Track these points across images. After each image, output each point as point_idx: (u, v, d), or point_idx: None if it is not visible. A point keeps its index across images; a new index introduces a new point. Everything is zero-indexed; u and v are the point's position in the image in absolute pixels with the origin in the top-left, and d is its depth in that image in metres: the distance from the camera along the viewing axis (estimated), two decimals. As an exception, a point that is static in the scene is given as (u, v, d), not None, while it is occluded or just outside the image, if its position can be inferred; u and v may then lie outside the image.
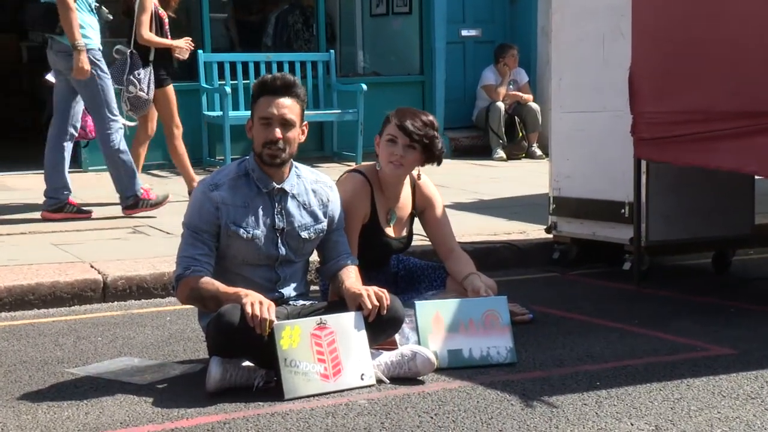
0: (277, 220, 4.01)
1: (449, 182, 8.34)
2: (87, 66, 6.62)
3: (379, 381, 3.83)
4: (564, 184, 6.07)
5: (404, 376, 3.87)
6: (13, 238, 6.37)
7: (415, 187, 4.63)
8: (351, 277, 4.06)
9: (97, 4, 7.03)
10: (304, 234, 4.07)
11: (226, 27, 11.30)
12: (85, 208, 7.15)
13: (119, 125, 7.00)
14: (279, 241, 4.02)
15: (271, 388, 3.73)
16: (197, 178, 7.22)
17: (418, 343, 4.04)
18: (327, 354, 3.75)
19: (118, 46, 7.49)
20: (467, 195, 8.19)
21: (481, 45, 11.77)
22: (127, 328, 4.78)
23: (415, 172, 4.59)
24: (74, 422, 3.45)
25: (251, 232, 3.96)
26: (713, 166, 5.22)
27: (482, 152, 10.91)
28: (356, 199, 4.42)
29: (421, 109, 4.62)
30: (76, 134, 7.13)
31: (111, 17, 7.40)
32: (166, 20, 7.62)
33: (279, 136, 3.92)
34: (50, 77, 7.07)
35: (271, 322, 3.67)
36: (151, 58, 7.43)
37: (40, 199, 7.92)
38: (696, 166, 5.34)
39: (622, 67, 5.44)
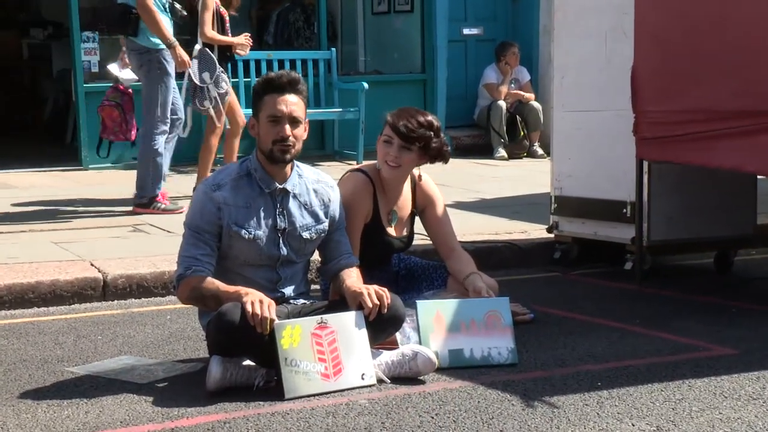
0: (278, 220, 4.00)
1: (450, 181, 8.33)
2: (186, 57, 6.92)
3: (380, 380, 3.82)
4: (565, 184, 6.06)
5: (405, 376, 3.86)
6: (14, 236, 6.36)
7: (415, 187, 4.62)
8: (352, 276, 4.05)
9: (171, 2, 7.19)
10: (306, 234, 4.06)
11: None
12: (171, 206, 7.20)
13: (165, 127, 7.09)
14: (280, 241, 4.01)
15: (272, 388, 3.72)
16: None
17: (419, 342, 4.03)
18: (328, 353, 3.74)
19: (196, 46, 7.62)
20: (468, 194, 8.17)
21: (483, 43, 11.75)
22: (127, 326, 4.77)
23: (416, 172, 4.58)
24: (74, 421, 3.44)
25: (253, 233, 3.95)
26: (715, 165, 5.21)
27: (484, 151, 10.90)
28: (358, 198, 4.41)
29: (422, 109, 4.59)
30: (168, 128, 7.23)
31: (186, 13, 7.51)
32: (227, 18, 7.76)
33: (290, 134, 3.92)
34: (113, 68, 7.54)
35: (272, 320, 3.66)
36: (215, 55, 7.55)
37: (41, 197, 7.93)
38: (698, 166, 5.33)
39: (624, 67, 5.43)
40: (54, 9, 11.96)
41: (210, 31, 7.44)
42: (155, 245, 6.03)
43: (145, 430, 3.38)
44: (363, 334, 3.82)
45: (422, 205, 4.65)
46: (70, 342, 4.50)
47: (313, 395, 3.67)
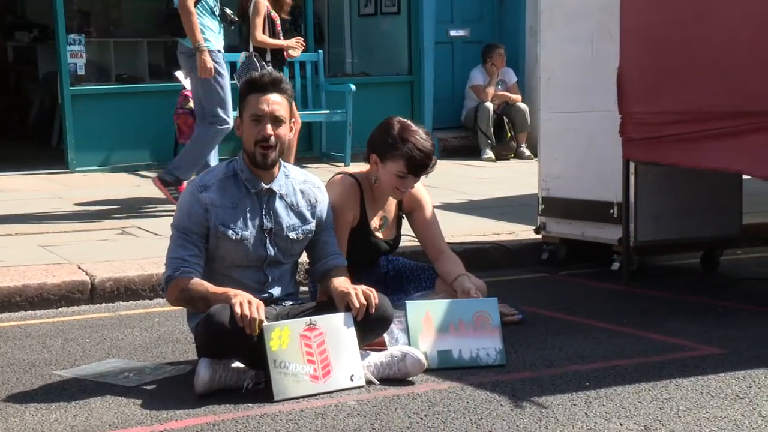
0: (265, 220, 4.00)
1: (438, 183, 8.33)
2: (210, 64, 6.94)
3: (369, 382, 3.82)
4: (553, 185, 6.07)
5: (394, 377, 3.87)
6: (0, 240, 6.34)
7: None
8: (339, 276, 4.05)
9: (222, 7, 7.26)
10: (292, 235, 4.06)
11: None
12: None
13: (227, 126, 7.14)
14: (267, 241, 4.01)
15: (261, 390, 3.72)
16: None
17: (408, 343, 4.03)
18: (317, 355, 3.75)
19: (244, 51, 7.78)
20: (456, 195, 8.19)
21: (470, 45, 11.77)
22: (115, 329, 4.76)
23: None
24: (62, 424, 3.43)
25: (240, 233, 3.95)
26: (701, 166, 5.23)
27: (471, 153, 10.92)
28: (346, 202, 4.41)
29: (409, 112, 4.57)
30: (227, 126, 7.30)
31: (236, 18, 7.60)
32: (278, 22, 7.88)
33: (270, 133, 3.92)
34: (179, 75, 7.75)
35: (261, 321, 3.66)
36: (268, 58, 7.67)
37: (27, 200, 7.91)
38: (684, 167, 5.35)
39: (610, 67, 5.45)
40: (39, 11, 11.93)
41: (261, 35, 7.62)
42: (143, 248, 6.02)
43: (133, 433, 3.38)
44: (352, 335, 3.82)
45: (410, 208, 4.66)
46: (58, 345, 4.49)
47: (302, 397, 3.67)
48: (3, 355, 4.34)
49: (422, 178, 4.50)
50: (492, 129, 10.87)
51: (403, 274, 4.75)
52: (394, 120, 4.44)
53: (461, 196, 8.19)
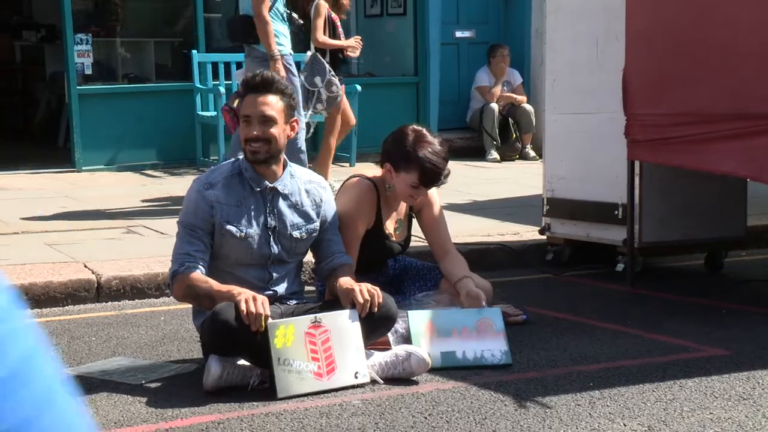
0: (269, 219, 4.03)
1: (443, 183, 8.34)
2: (283, 72, 7.03)
3: (373, 381, 3.84)
4: (558, 186, 6.08)
5: (398, 377, 3.88)
6: (6, 238, 6.36)
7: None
8: (344, 274, 4.07)
9: (288, 11, 7.39)
10: (296, 233, 4.08)
11: (221, 27, 11.30)
12: None
13: (302, 127, 7.23)
14: (271, 239, 4.03)
15: (266, 388, 3.73)
16: (330, 180, 7.32)
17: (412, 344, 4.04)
18: (321, 352, 3.76)
19: (309, 52, 7.88)
20: (461, 196, 8.19)
21: (475, 46, 11.77)
22: (120, 328, 4.78)
23: None
24: (68, 422, 3.44)
25: (244, 231, 3.97)
26: (707, 168, 5.23)
27: (476, 153, 10.92)
28: (363, 205, 4.42)
29: (434, 133, 4.52)
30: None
31: (302, 22, 7.75)
32: (339, 23, 8.01)
33: (255, 134, 3.94)
34: (238, 75, 7.95)
35: (266, 317, 3.68)
36: (327, 59, 7.75)
37: (33, 199, 7.93)
38: (690, 169, 5.36)
39: (615, 69, 5.45)
40: (47, 11, 11.96)
41: (322, 36, 7.75)
42: (149, 247, 6.04)
43: (139, 431, 3.39)
44: (357, 332, 3.83)
45: (419, 207, 4.67)
46: (64, 343, 4.50)
47: (306, 395, 3.69)
48: (9, 352, 4.35)
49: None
50: (497, 130, 10.87)
51: (409, 272, 4.76)
52: (409, 129, 4.41)
53: (466, 197, 8.19)
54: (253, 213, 4.01)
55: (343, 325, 3.83)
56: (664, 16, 5.22)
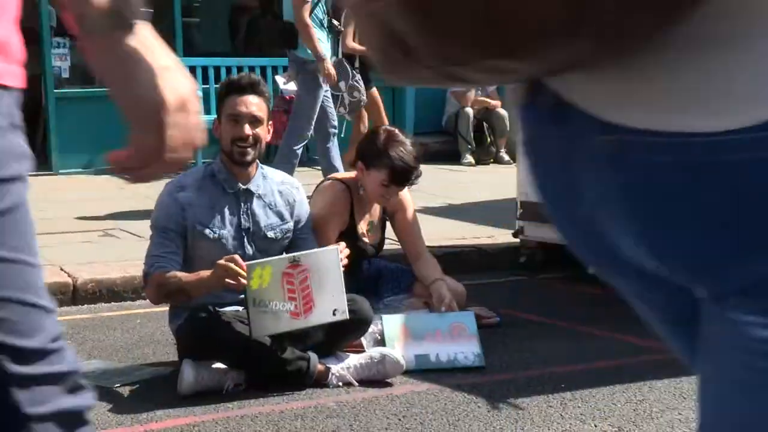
0: (243, 220, 4.06)
1: (418, 186, 8.24)
2: (332, 71, 7.22)
3: (348, 383, 3.87)
4: (531, 189, 6.11)
5: (372, 379, 3.91)
6: (-17, 242, 6.34)
7: (387, 192, 4.68)
8: None
9: (329, 19, 7.47)
10: (270, 234, 4.12)
11: (200, 31, 11.32)
12: None
13: (307, 135, 7.41)
14: (246, 240, 4.06)
15: (241, 391, 3.76)
16: None
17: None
18: (299, 292, 3.74)
19: (333, 57, 7.89)
20: (436, 199, 8.23)
21: (452, 50, 11.81)
22: (96, 331, 4.79)
23: None
24: (44, 425, 3.46)
25: (217, 232, 4.00)
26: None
27: (451, 157, 10.96)
28: (336, 208, 4.48)
29: (407, 134, 4.61)
30: (336, 130, 7.59)
31: (342, 29, 7.78)
32: None
33: (249, 133, 3.99)
34: (279, 80, 8.38)
35: (249, 267, 3.65)
36: (356, 64, 7.83)
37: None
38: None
39: (588, 74, 5.50)
40: (24, 15, 11.90)
41: (351, 42, 7.82)
42: (125, 250, 6.04)
43: (115, 433, 3.41)
44: (337, 270, 3.83)
45: (393, 210, 4.72)
46: (40, 347, 4.50)
47: (281, 333, 3.69)
48: (-15, 356, 4.35)
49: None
50: (472, 134, 10.93)
51: (382, 274, 4.80)
52: (381, 129, 4.54)
53: (441, 200, 8.24)
54: (227, 214, 4.04)
55: (324, 264, 3.81)
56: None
